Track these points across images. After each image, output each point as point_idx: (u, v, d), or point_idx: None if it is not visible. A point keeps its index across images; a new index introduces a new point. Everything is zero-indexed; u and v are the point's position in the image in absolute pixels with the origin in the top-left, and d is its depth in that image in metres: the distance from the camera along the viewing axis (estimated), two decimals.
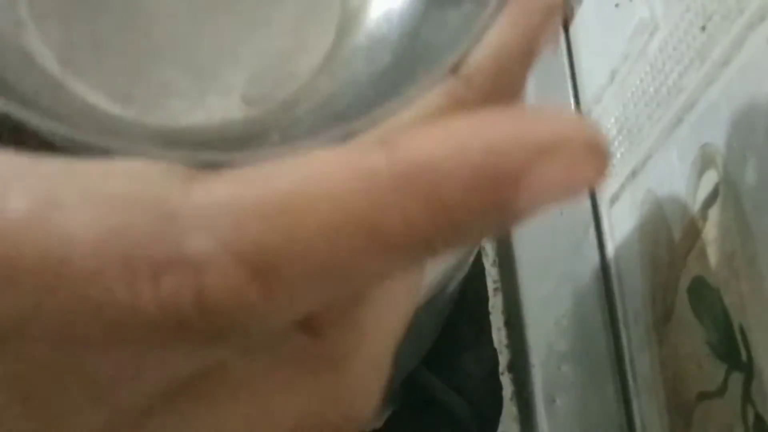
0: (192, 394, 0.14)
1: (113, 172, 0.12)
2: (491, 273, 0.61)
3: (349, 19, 0.25)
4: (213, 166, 0.12)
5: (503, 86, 0.12)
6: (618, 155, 0.56)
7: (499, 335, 0.60)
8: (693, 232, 0.45)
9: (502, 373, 0.59)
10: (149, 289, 0.11)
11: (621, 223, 0.56)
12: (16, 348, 0.12)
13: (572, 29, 0.64)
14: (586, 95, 0.61)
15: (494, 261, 0.62)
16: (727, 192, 0.41)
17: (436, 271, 0.35)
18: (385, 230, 0.11)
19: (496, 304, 0.61)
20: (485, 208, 0.11)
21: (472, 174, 0.11)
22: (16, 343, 0.12)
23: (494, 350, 0.59)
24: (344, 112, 0.23)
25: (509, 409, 0.58)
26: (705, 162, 0.44)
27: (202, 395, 0.14)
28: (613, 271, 0.57)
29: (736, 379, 0.41)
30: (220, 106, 0.24)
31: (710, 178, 0.43)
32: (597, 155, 0.11)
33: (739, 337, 0.41)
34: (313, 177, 0.11)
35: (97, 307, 0.11)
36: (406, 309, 0.16)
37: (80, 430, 0.13)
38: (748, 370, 0.40)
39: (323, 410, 0.14)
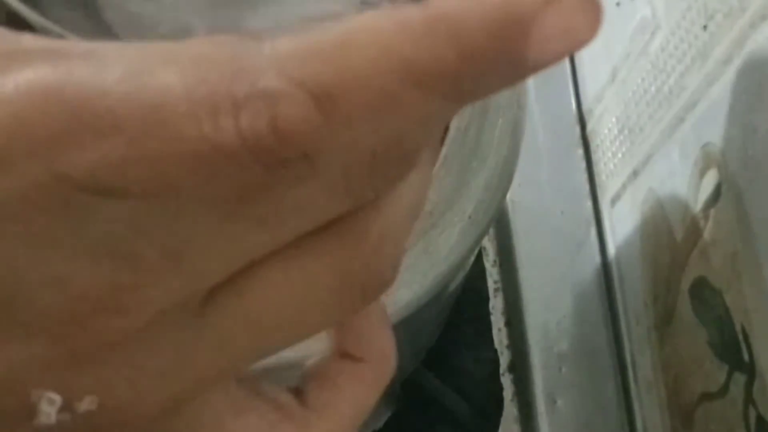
0: (250, 275, 0.16)
1: (192, 42, 0.14)
2: (492, 273, 0.61)
3: None
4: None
5: None
6: (619, 155, 0.56)
7: (499, 336, 0.60)
8: (694, 232, 0.45)
9: (503, 374, 0.59)
10: (231, 121, 0.13)
11: (622, 223, 0.56)
12: (110, 205, 0.13)
13: None
14: (587, 94, 0.61)
15: (495, 261, 0.62)
16: (728, 192, 0.41)
17: (437, 270, 0.35)
18: (420, 66, 0.13)
19: (496, 304, 0.61)
20: (501, 54, 0.13)
21: (492, 20, 0.13)
22: (111, 195, 0.13)
23: (495, 351, 0.59)
24: None
25: (510, 410, 0.58)
26: (706, 162, 0.43)
27: (258, 278, 0.16)
28: (614, 271, 0.57)
29: (738, 379, 0.41)
30: None
31: (712, 178, 0.43)
32: (592, 7, 0.14)
33: (740, 337, 0.41)
34: (361, 25, 0.14)
35: (189, 142, 0.13)
36: (422, 191, 0.18)
37: (157, 296, 0.15)
38: (749, 370, 0.40)
39: (351, 270, 0.16)
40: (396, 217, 0.17)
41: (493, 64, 0.13)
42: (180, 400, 0.17)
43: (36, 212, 0.13)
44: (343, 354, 0.20)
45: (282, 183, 0.14)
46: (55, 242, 0.14)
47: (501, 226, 0.62)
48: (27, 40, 0.14)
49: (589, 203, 0.60)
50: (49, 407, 0.15)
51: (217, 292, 0.16)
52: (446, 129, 0.37)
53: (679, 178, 0.47)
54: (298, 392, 0.20)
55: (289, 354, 0.18)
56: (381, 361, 0.21)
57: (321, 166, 0.14)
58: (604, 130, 0.58)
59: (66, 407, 0.15)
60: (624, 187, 0.55)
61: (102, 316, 0.14)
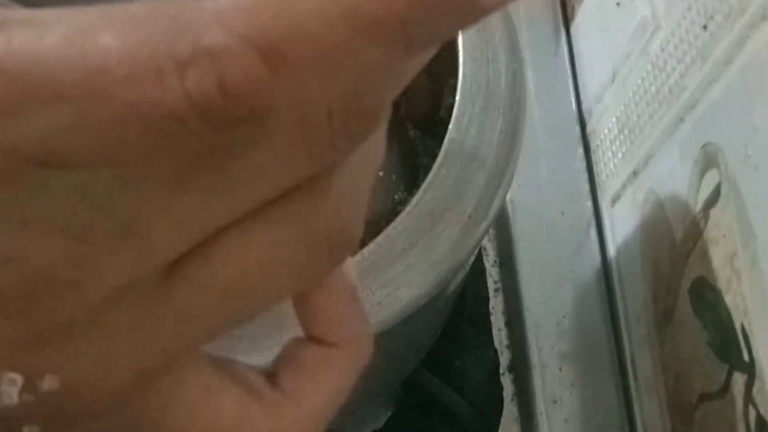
0: (212, 245, 0.15)
1: (132, 4, 0.13)
2: (492, 273, 0.61)
3: None
4: None
5: None
6: (619, 155, 0.56)
7: (499, 336, 0.60)
8: (694, 232, 0.45)
9: (503, 374, 0.59)
10: (176, 82, 0.13)
11: (622, 223, 0.56)
12: (59, 178, 0.13)
13: (573, 28, 0.64)
14: (587, 94, 0.61)
15: (495, 261, 0.62)
16: (728, 192, 0.41)
17: (437, 270, 0.35)
18: (367, 12, 0.13)
19: (496, 304, 0.61)
20: None
21: None
22: (60, 167, 0.13)
23: (495, 351, 0.59)
24: None
25: (510, 410, 0.58)
26: (707, 162, 0.43)
27: (221, 246, 0.15)
28: (614, 271, 0.57)
29: (738, 379, 0.41)
30: None
31: (712, 178, 0.43)
32: None
33: (740, 337, 0.41)
34: None
35: (133, 105, 0.13)
36: (378, 146, 0.18)
37: (113, 269, 0.14)
38: (749, 370, 0.40)
39: (313, 229, 0.16)
40: (355, 173, 0.17)
41: (442, 7, 0.13)
42: (148, 375, 0.16)
43: None
44: (315, 338, 0.20)
45: (234, 146, 0.14)
46: (4, 217, 0.13)
47: (501, 226, 0.62)
48: None
49: (589, 203, 0.60)
50: (10, 387, 0.15)
51: (180, 263, 0.15)
52: (446, 127, 0.37)
53: (679, 178, 0.47)
54: (270, 375, 0.20)
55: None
56: (354, 346, 0.20)
57: (273, 125, 0.14)
58: (604, 130, 0.58)
59: (28, 387, 0.15)
60: (624, 187, 0.55)
61: (57, 291, 0.14)
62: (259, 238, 0.16)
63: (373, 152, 0.17)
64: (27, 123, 0.13)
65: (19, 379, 0.15)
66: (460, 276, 0.42)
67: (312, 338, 0.20)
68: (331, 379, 0.20)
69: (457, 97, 0.37)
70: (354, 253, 0.17)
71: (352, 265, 0.20)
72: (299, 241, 0.16)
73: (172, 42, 0.13)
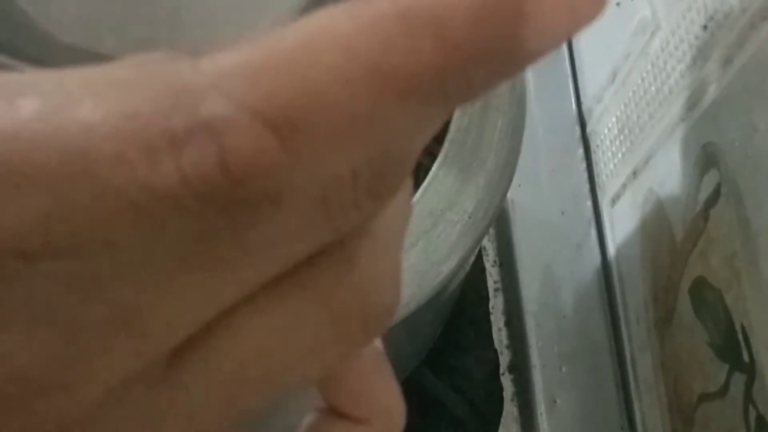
0: (221, 326, 0.13)
1: (115, 66, 0.12)
2: (492, 273, 0.61)
3: None
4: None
5: None
6: (619, 155, 0.56)
7: (499, 336, 0.60)
8: (695, 232, 0.45)
9: (503, 374, 0.59)
10: (171, 162, 0.11)
11: (622, 223, 0.56)
12: (40, 268, 0.11)
13: None
14: (587, 94, 0.61)
15: (495, 261, 0.62)
16: (728, 192, 0.41)
17: (437, 270, 0.35)
18: (397, 73, 0.11)
19: (496, 304, 0.61)
20: (492, 42, 0.11)
21: (478, 7, 0.11)
22: (40, 258, 0.11)
23: (495, 351, 0.59)
24: None
25: (510, 410, 0.58)
26: (707, 162, 0.43)
27: (231, 328, 0.13)
28: (614, 271, 0.57)
29: (738, 379, 0.41)
30: None
31: (712, 178, 0.43)
32: None
33: (740, 337, 0.41)
34: (318, 29, 0.11)
35: (121, 190, 0.11)
36: (408, 199, 0.15)
37: (108, 366, 0.12)
38: (749, 370, 0.40)
39: (343, 300, 0.14)
40: (384, 233, 0.15)
41: (484, 58, 0.11)
42: None
43: None
44: (341, 414, 0.18)
45: (242, 225, 0.12)
46: None
47: (501, 226, 0.62)
48: None
49: (589, 203, 0.60)
50: None
51: (185, 348, 0.13)
52: (446, 127, 0.37)
53: (679, 178, 0.47)
54: None
55: None
56: (387, 422, 0.18)
57: (288, 201, 0.12)
58: (604, 130, 0.58)
59: None
60: (624, 187, 0.55)
61: (47, 395, 0.12)
62: (277, 313, 0.14)
63: (402, 209, 0.15)
64: None
65: None
66: (460, 276, 0.42)
67: (337, 412, 0.18)
68: None
69: None
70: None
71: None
72: (326, 315, 0.14)
73: (164, 114, 0.11)
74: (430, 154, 0.37)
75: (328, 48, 0.11)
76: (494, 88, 0.12)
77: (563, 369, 0.57)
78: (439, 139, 0.37)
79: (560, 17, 0.11)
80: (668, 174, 0.48)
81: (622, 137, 0.55)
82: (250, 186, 0.11)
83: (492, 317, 0.60)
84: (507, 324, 0.61)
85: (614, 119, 0.56)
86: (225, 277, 0.13)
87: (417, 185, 0.36)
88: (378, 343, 0.18)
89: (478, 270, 0.60)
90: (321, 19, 0.11)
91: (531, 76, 0.62)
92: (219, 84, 0.11)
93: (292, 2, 0.25)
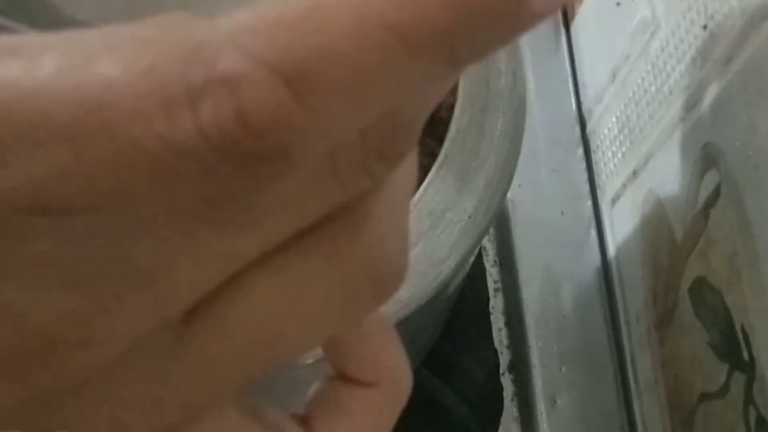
0: (234, 287, 0.14)
1: (134, 25, 0.12)
2: (492, 273, 0.61)
3: None
4: None
5: None
6: (619, 155, 0.56)
7: (499, 335, 0.60)
8: (695, 232, 0.45)
9: (503, 374, 0.59)
10: (189, 115, 0.11)
11: (622, 223, 0.56)
12: (59, 224, 0.12)
13: (573, 28, 0.64)
14: (587, 95, 0.61)
15: (495, 261, 0.62)
16: (728, 192, 0.41)
17: (437, 270, 0.35)
18: (406, 28, 0.11)
19: (496, 304, 0.61)
20: (498, 1, 0.11)
21: None
22: (58, 213, 0.11)
23: (495, 351, 0.59)
24: None
25: (510, 410, 0.58)
26: (707, 162, 0.43)
27: (244, 289, 0.14)
28: (614, 271, 0.57)
29: (738, 379, 0.41)
30: None
31: (712, 178, 0.43)
32: None
33: (740, 337, 0.41)
34: None
35: (139, 144, 0.11)
36: (414, 165, 0.16)
37: (126, 323, 0.13)
38: (749, 370, 0.40)
39: (354, 263, 0.14)
40: (393, 199, 0.15)
41: (491, 16, 0.11)
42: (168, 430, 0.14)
43: None
44: (349, 378, 0.18)
45: (257, 181, 0.12)
46: (2, 271, 0.12)
47: (501, 226, 0.62)
48: None
49: (589, 203, 0.60)
50: None
51: (199, 309, 0.14)
52: (446, 127, 0.37)
53: (679, 178, 0.47)
54: (305, 420, 0.18)
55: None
56: (394, 384, 0.18)
57: (301, 157, 0.12)
58: (604, 130, 0.58)
59: None
60: (624, 187, 0.55)
61: (64, 350, 0.12)
62: (289, 275, 0.14)
63: (408, 175, 0.15)
64: (17, 166, 0.11)
65: None
66: (460, 276, 0.42)
67: (345, 377, 0.18)
68: (370, 421, 0.18)
69: (458, 97, 0.37)
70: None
71: None
72: (337, 277, 0.14)
73: (181, 69, 0.11)
74: (430, 154, 0.37)
75: (339, 5, 0.11)
76: (498, 47, 0.12)
77: (563, 369, 0.57)
78: (439, 139, 0.37)
79: None
80: (668, 174, 0.48)
81: (622, 137, 0.55)
82: (267, 139, 0.11)
83: (492, 317, 0.60)
84: (507, 324, 0.61)
85: (614, 119, 0.56)
86: (238, 237, 0.13)
87: (417, 185, 0.37)
88: (382, 310, 0.18)
89: (478, 270, 0.60)
90: None
91: (531, 76, 0.62)
92: (235, 40, 0.11)
93: None
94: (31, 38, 0.12)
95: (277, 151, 0.11)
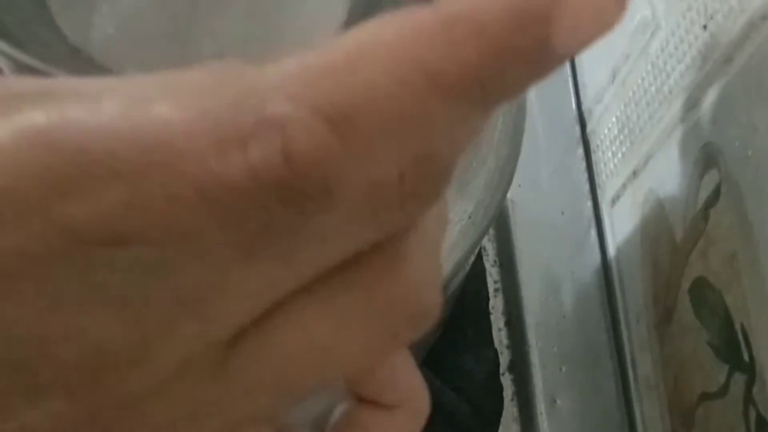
0: (276, 316, 0.14)
1: (189, 71, 0.13)
2: (492, 273, 0.61)
3: None
4: None
5: None
6: (619, 155, 0.56)
7: (499, 335, 0.60)
8: (695, 232, 0.45)
9: (503, 374, 0.59)
10: (240, 155, 0.12)
11: (622, 223, 0.56)
12: (119, 255, 0.12)
13: None
14: (587, 95, 0.61)
15: (495, 261, 0.62)
16: (728, 192, 0.41)
17: None
18: (441, 72, 0.12)
19: (496, 304, 0.61)
20: (526, 45, 0.12)
21: (513, 11, 0.12)
22: (120, 246, 0.12)
23: (495, 351, 0.59)
24: None
25: (510, 410, 0.58)
26: (707, 162, 0.43)
27: (285, 318, 0.14)
28: (614, 271, 0.57)
29: (738, 379, 0.41)
30: None
31: (712, 178, 0.43)
32: None
33: (740, 337, 0.41)
34: (368, 37, 0.12)
35: (195, 182, 0.12)
36: (445, 218, 0.17)
37: (174, 346, 0.14)
38: (749, 370, 0.40)
39: (392, 298, 0.15)
40: (426, 236, 0.16)
41: (518, 59, 0.12)
42: None
43: (40, 267, 0.12)
44: (369, 401, 0.19)
45: (301, 216, 0.13)
46: (64, 296, 0.13)
47: (501, 226, 0.62)
48: (13, 82, 0.13)
49: (589, 203, 0.60)
50: None
51: (242, 337, 0.14)
52: None
53: (679, 178, 0.47)
54: None
55: None
56: (415, 404, 0.19)
57: (343, 194, 0.13)
58: (604, 130, 0.58)
59: None
60: (624, 187, 0.55)
61: (118, 370, 0.13)
62: (329, 307, 0.15)
63: (441, 216, 0.16)
64: (84, 202, 0.12)
65: None
66: (460, 276, 0.42)
67: (365, 401, 0.19)
68: None
69: None
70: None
71: None
72: (375, 310, 0.15)
73: (234, 112, 0.12)
74: None
75: (378, 52, 0.12)
76: (526, 88, 0.13)
77: (563, 369, 0.57)
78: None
79: (585, 21, 0.12)
80: (668, 174, 0.48)
81: (622, 137, 0.55)
82: (311, 177, 0.12)
83: (492, 317, 0.60)
84: (507, 324, 0.61)
85: (614, 119, 0.56)
86: (282, 269, 0.14)
87: None
88: None
89: (478, 270, 0.60)
90: (370, 28, 0.13)
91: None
92: (282, 86, 0.12)
93: (336, 19, 0.26)
94: (89, 81, 0.13)
95: (321, 188, 0.12)
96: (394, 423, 0.19)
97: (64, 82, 0.13)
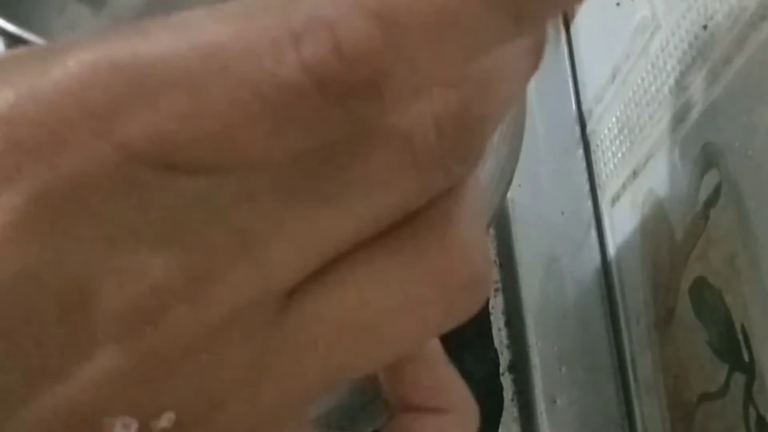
0: (333, 272, 0.14)
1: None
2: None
3: None
4: None
5: None
6: (619, 155, 0.56)
7: (499, 336, 0.60)
8: (695, 232, 0.45)
9: (503, 374, 0.59)
10: (293, 53, 0.12)
11: (622, 223, 0.56)
12: (175, 182, 0.12)
13: (573, 28, 0.64)
14: (587, 94, 0.61)
15: (495, 261, 0.62)
16: (728, 192, 0.41)
17: None
18: None
19: (496, 304, 0.61)
20: None
21: None
22: (175, 169, 0.12)
23: (495, 351, 0.59)
24: None
25: (510, 410, 0.58)
26: (707, 161, 0.43)
27: (344, 275, 0.14)
28: (614, 271, 0.57)
29: (738, 379, 0.41)
30: None
31: (712, 178, 0.43)
32: None
33: (740, 337, 0.41)
34: None
35: (250, 82, 0.12)
36: (484, 204, 0.17)
37: (229, 290, 0.13)
38: (749, 370, 0.40)
39: (448, 266, 0.15)
40: (474, 206, 0.16)
41: None
42: (259, 419, 0.14)
43: (101, 195, 0.12)
44: (420, 408, 0.18)
45: (352, 122, 0.13)
46: (123, 230, 0.13)
47: (501, 226, 0.62)
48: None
49: (589, 203, 0.60)
50: None
51: (296, 292, 0.14)
52: None
53: (679, 178, 0.47)
54: None
55: None
56: (466, 407, 0.19)
57: (389, 98, 0.13)
58: (604, 130, 0.58)
59: (141, 430, 0.13)
60: (624, 187, 0.55)
61: (175, 310, 0.13)
62: (381, 268, 0.15)
63: (481, 199, 0.16)
64: (140, 117, 0.12)
65: (134, 424, 0.13)
66: None
67: (415, 408, 0.19)
68: None
69: None
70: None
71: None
72: (426, 273, 0.15)
73: (284, 14, 0.12)
74: None
75: None
76: (555, 11, 0.13)
77: (563, 369, 0.57)
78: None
79: None
80: (668, 174, 0.48)
81: (622, 137, 0.55)
82: (360, 68, 0.12)
83: (492, 317, 0.60)
84: (507, 324, 0.61)
85: (614, 119, 0.56)
86: (333, 217, 0.14)
87: None
88: (437, 342, 0.19)
89: None
90: None
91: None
92: None
93: None
94: (148, 21, 0.13)
95: (369, 84, 0.12)
96: (448, 425, 0.18)
97: (117, 27, 0.13)
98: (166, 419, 0.13)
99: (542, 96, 0.62)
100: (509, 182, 0.38)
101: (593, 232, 0.59)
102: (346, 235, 0.14)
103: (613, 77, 0.56)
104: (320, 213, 0.14)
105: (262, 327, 0.14)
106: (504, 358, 0.59)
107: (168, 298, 0.13)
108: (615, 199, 0.57)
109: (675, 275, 0.47)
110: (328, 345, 0.14)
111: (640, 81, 0.52)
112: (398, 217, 0.15)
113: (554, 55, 0.64)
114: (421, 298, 0.15)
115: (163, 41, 0.12)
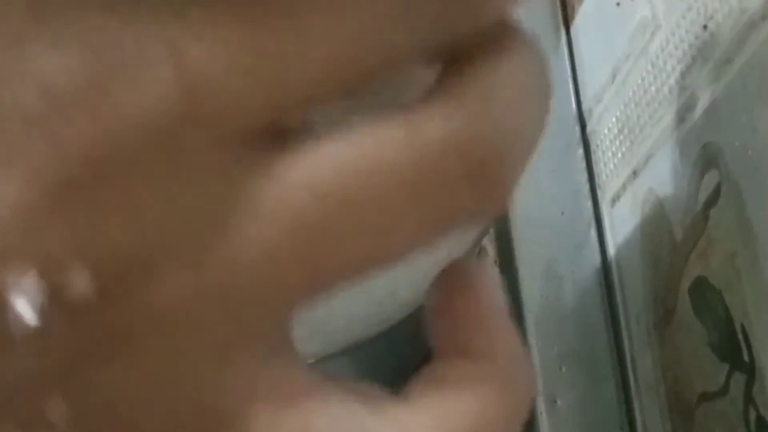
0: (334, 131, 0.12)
1: None
2: None
3: None
4: None
5: None
6: (619, 155, 0.56)
7: None
8: (695, 232, 0.45)
9: None
10: None
11: (622, 223, 0.56)
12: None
13: (573, 28, 0.64)
14: (587, 94, 0.61)
15: (494, 261, 0.62)
16: (728, 192, 0.41)
17: (437, 270, 0.35)
18: None
19: None
20: None
21: None
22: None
23: None
24: None
25: None
26: (707, 161, 0.43)
27: (342, 136, 0.12)
28: (614, 271, 0.57)
29: (738, 379, 0.41)
30: None
31: (712, 178, 0.43)
32: None
33: (740, 337, 0.41)
34: None
35: None
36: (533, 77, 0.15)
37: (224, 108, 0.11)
38: (749, 370, 0.40)
39: (478, 134, 0.13)
40: (502, 87, 0.13)
41: None
42: (207, 303, 0.11)
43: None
44: (460, 352, 0.16)
45: None
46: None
47: (501, 226, 0.62)
48: None
49: (589, 203, 0.60)
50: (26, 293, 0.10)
51: (292, 137, 0.12)
52: None
53: (679, 178, 0.47)
54: (400, 392, 0.15)
55: None
56: (512, 360, 0.15)
57: None
58: (604, 130, 0.58)
59: (53, 294, 0.10)
60: (624, 187, 0.55)
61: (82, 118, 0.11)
62: (400, 133, 0.12)
63: (526, 78, 0.14)
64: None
65: (43, 285, 0.10)
66: None
67: (456, 354, 0.16)
68: (473, 397, 0.15)
69: None
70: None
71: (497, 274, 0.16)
72: (422, 152, 0.12)
73: None
74: None
75: None
76: None
77: (563, 369, 0.57)
78: None
79: None
80: (668, 174, 0.48)
81: (622, 137, 0.55)
82: None
83: None
84: None
85: (614, 119, 0.56)
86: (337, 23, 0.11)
87: None
88: (500, 289, 0.16)
89: None
90: None
91: None
92: None
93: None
94: None
95: None
96: (479, 375, 0.15)
97: None
98: (82, 276, 0.10)
99: None
100: None
101: (593, 233, 0.59)
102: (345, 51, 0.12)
103: (613, 77, 0.56)
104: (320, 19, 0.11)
105: (238, 163, 0.11)
106: None
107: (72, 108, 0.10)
108: (615, 199, 0.57)
109: (675, 275, 0.47)
110: (315, 211, 0.12)
111: (640, 81, 0.52)
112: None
113: (554, 55, 0.64)
114: (447, 173, 0.13)
115: None
